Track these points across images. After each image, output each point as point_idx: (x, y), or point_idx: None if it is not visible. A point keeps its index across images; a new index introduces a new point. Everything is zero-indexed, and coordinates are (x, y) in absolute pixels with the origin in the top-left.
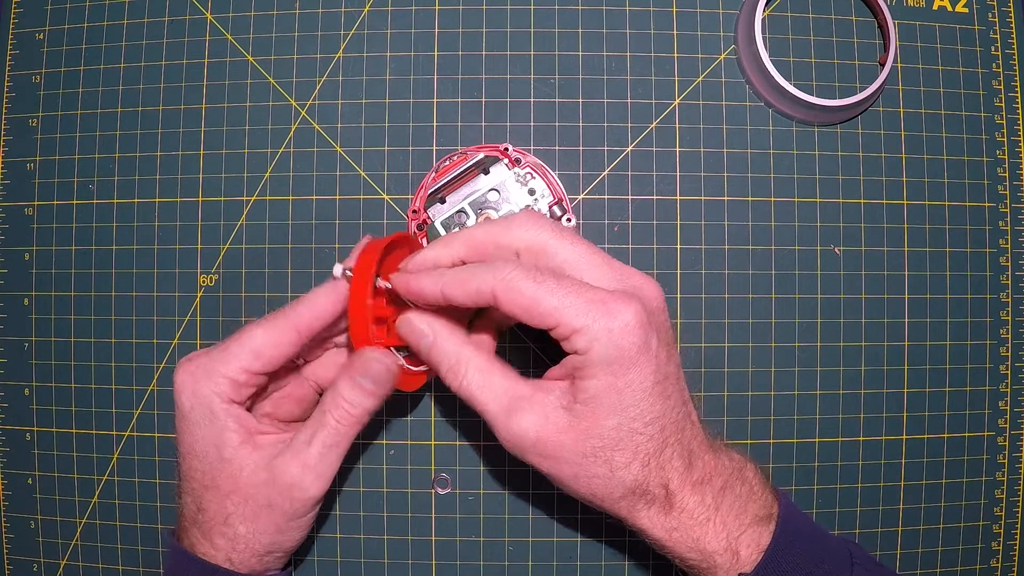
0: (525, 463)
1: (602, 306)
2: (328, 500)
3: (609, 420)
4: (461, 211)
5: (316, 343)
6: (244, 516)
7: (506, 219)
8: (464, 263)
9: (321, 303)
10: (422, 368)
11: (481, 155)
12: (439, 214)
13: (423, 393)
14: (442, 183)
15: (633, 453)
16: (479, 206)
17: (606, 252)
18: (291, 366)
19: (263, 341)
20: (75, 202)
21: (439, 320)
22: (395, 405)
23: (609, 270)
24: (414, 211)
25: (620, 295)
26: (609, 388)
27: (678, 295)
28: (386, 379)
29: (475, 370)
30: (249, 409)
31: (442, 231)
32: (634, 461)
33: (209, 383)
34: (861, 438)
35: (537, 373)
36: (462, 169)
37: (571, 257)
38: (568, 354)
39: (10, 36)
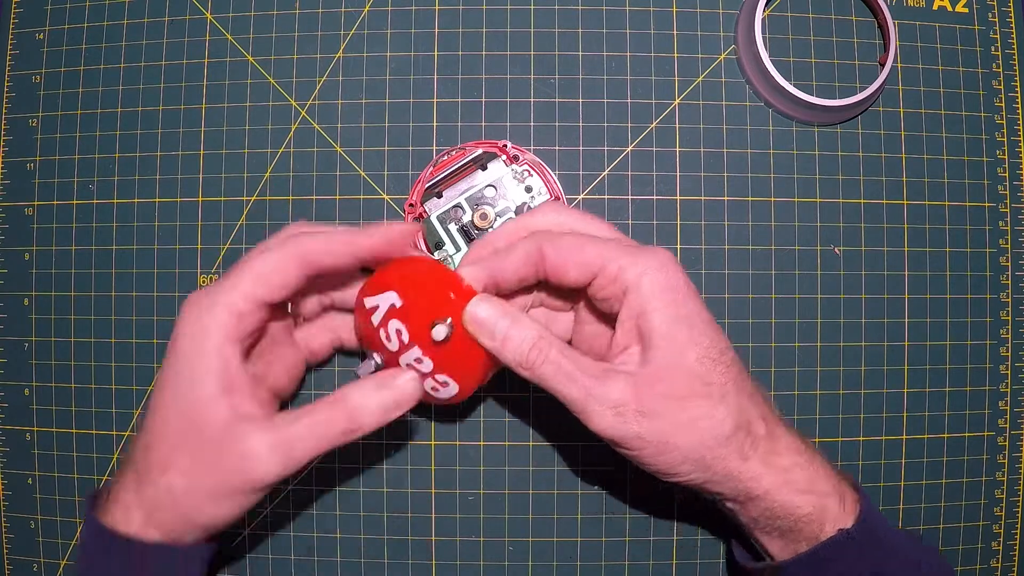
0: (619, 447)
1: (639, 249)
2: (328, 500)
3: (690, 353)
4: (457, 206)
5: (315, 287)
6: (186, 470)
7: (531, 210)
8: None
9: (330, 242)
10: (448, 395)
11: (479, 151)
12: (435, 208)
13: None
14: (439, 178)
15: (723, 383)
16: (475, 202)
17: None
18: (286, 320)
19: (265, 268)
20: (75, 202)
21: (508, 305)
22: None
23: (614, 240)
24: (411, 205)
25: (648, 246)
26: (676, 319)
27: None
28: (407, 405)
29: (557, 348)
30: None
31: (438, 225)
32: (728, 392)
33: (210, 315)
34: (861, 438)
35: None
36: (460, 164)
37: (594, 231)
38: (616, 318)
39: (10, 36)
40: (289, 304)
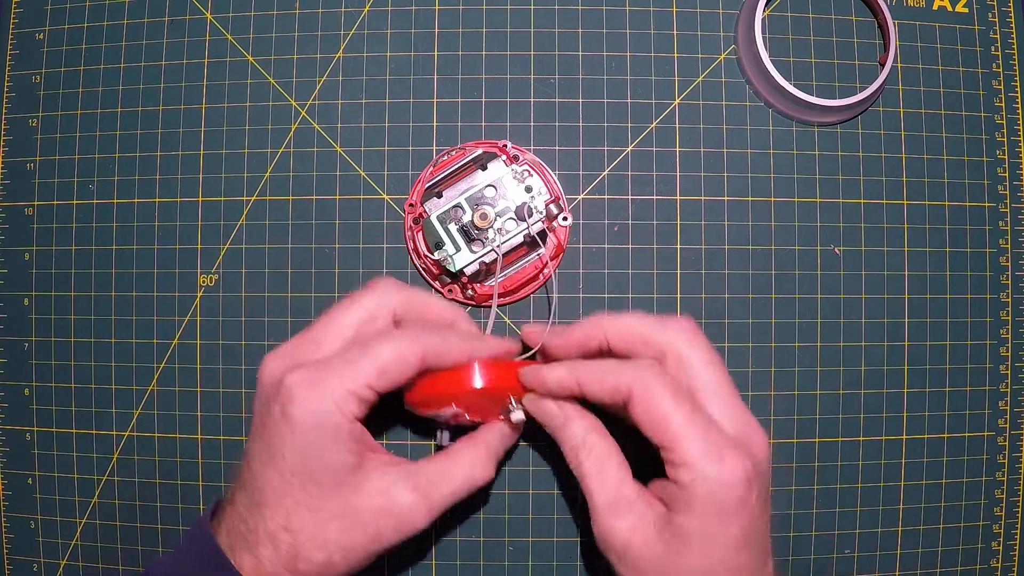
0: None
1: (719, 452)
2: None
3: (693, 560)
4: (457, 206)
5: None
6: (345, 544)
7: (662, 319)
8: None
9: (457, 350)
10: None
11: (479, 151)
12: (435, 208)
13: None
14: (439, 178)
15: None
16: (475, 201)
17: (734, 384)
18: None
19: (390, 358)
20: (75, 202)
21: (569, 402)
22: (393, 407)
23: (735, 408)
24: (410, 205)
25: (739, 452)
26: (701, 533)
27: (678, 295)
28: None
29: (595, 457)
30: None
31: (438, 225)
32: None
33: (333, 397)
34: (861, 438)
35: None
36: (460, 164)
37: (709, 383)
38: (666, 475)
39: (10, 36)
40: None
